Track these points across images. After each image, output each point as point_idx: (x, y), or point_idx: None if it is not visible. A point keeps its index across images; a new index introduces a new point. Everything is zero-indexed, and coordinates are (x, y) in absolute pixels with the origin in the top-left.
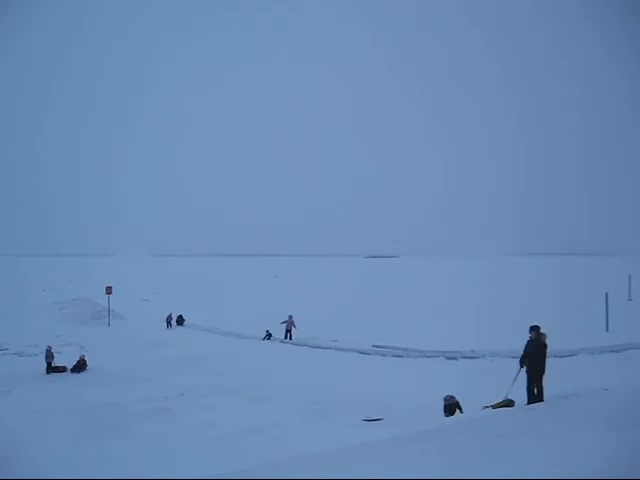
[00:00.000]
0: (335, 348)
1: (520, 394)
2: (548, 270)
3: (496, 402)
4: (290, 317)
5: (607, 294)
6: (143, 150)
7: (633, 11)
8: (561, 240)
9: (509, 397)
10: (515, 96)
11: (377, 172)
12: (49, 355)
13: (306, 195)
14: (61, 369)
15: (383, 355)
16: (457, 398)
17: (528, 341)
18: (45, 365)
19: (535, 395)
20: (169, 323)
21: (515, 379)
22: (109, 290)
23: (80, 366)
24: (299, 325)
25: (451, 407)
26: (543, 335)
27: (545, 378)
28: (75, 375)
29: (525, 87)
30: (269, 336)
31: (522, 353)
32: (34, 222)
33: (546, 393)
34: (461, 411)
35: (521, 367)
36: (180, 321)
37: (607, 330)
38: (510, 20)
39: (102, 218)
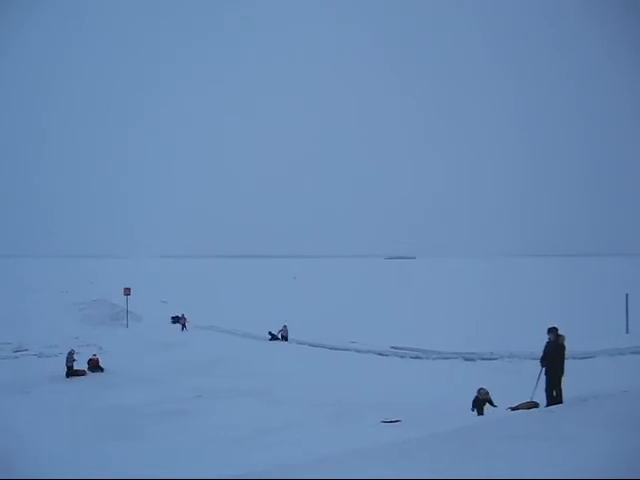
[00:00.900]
0: (353, 349)
1: (539, 396)
2: (562, 271)
3: (520, 403)
4: (285, 327)
5: (627, 295)
6: (143, 150)
7: (633, 11)
8: (571, 241)
9: (533, 399)
10: (515, 96)
11: (387, 172)
12: (70, 358)
13: (320, 196)
14: (80, 373)
15: (401, 356)
16: (490, 395)
17: (547, 343)
18: (66, 368)
19: (554, 397)
20: (183, 325)
21: (538, 380)
22: (127, 291)
23: (93, 366)
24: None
25: (481, 402)
26: (561, 337)
27: (564, 380)
28: (93, 376)
29: (525, 87)
30: (274, 337)
31: (542, 354)
32: (44, 224)
33: (565, 395)
34: (493, 405)
35: (542, 367)
36: (177, 320)
37: (627, 331)
38: (510, 20)
39: (113, 220)
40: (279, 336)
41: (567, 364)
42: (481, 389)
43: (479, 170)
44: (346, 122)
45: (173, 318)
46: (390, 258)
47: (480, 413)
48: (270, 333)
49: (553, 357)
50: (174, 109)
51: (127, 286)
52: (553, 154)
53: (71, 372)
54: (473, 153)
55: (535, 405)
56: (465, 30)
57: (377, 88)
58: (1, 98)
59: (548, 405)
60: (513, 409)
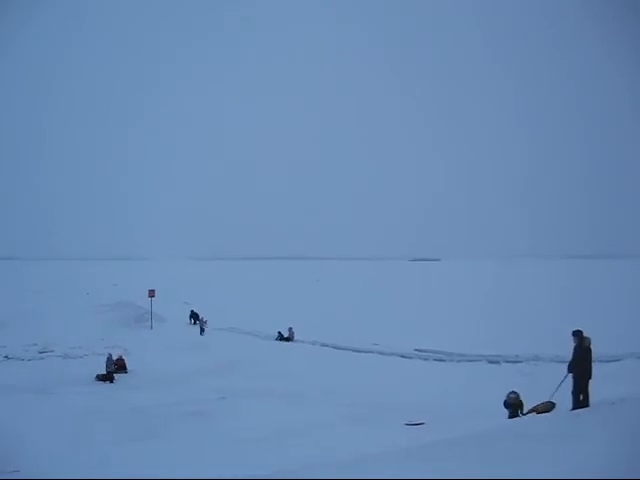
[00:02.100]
0: (377, 352)
1: (566, 399)
2: (577, 273)
3: (536, 405)
4: (290, 329)
5: None
6: (143, 150)
7: (633, 11)
8: (572, 242)
9: (552, 400)
10: (515, 96)
11: (389, 172)
12: (109, 364)
13: (330, 197)
14: (110, 377)
15: (425, 359)
16: (521, 399)
17: (575, 347)
18: (104, 372)
19: (580, 401)
20: (202, 329)
21: (561, 383)
22: (152, 293)
23: (119, 367)
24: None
25: (511, 406)
26: (586, 339)
27: (591, 383)
28: (117, 377)
29: (525, 87)
30: (282, 337)
31: (571, 359)
32: (43, 225)
33: (592, 398)
34: (522, 411)
35: (569, 372)
36: (195, 316)
37: None
38: (510, 20)
39: (133, 222)
40: (290, 336)
41: (594, 367)
42: (510, 393)
43: (482, 171)
44: (346, 122)
45: (191, 312)
46: (414, 260)
47: (512, 416)
48: (279, 333)
49: (580, 361)
50: (174, 109)
51: (151, 288)
52: (553, 154)
53: (108, 376)
54: (474, 153)
55: (552, 405)
56: (465, 30)
57: (377, 88)
58: (1, 98)
59: (574, 408)
60: (531, 410)
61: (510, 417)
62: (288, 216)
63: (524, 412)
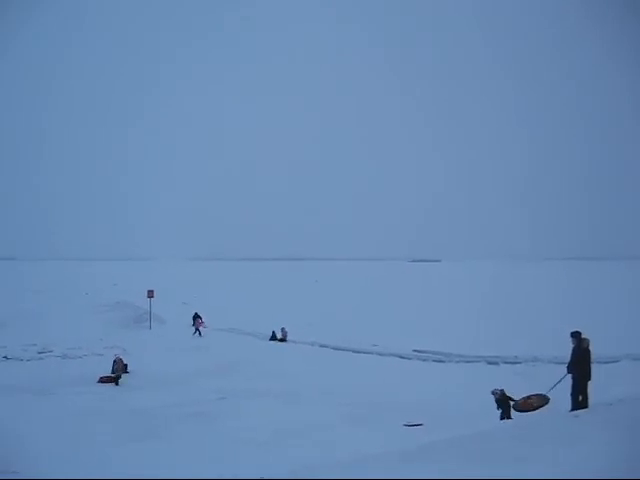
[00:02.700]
0: (375, 353)
1: (564, 400)
2: (576, 275)
3: (531, 394)
4: (283, 329)
5: None
6: (143, 150)
7: (633, 11)
8: (572, 244)
9: (548, 395)
10: (515, 96)
11: (389, 173)
12: (117, 368)
13: (329, 197)
14: (114, 379)
15: (424, 360)
16: (505, 392)
17: (573, 349)
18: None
19: (579, 402)
20: (197, 329)
21: (559, 382)
22: (150, 294)
23: (119, 369)
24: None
25: (503, 403)
26: (585, 340)
27: (590, 384)
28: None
29: (525, 87)
30: (276, 337)
31: (569, 360)
32: (43, 226)
33: (590, 400)
34: (512, 399)
35: (568, 373)
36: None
37: None
38: (510, 20)
39: (133, 222)
40: (282, 337)
41: (592, 368)
42: (496, 390)
43: (482, 171)
44: (346, 122)
45: (195, 314)
46: (414, 261)
47: (505, 415)
48: (273, 333)
49: (579, 362)
50: (174, 109)
51: (150, 288)
52: (553, 154)
53: (113, 378)
54: (474, 153)
55: (547, 400)
56: (465, 30)
57: (377, 88)
58: (1, 98)
59: (573, 409)
60: (525, 398)
61: (502, 417)
62: (287, 216)
63: (515, 400)
